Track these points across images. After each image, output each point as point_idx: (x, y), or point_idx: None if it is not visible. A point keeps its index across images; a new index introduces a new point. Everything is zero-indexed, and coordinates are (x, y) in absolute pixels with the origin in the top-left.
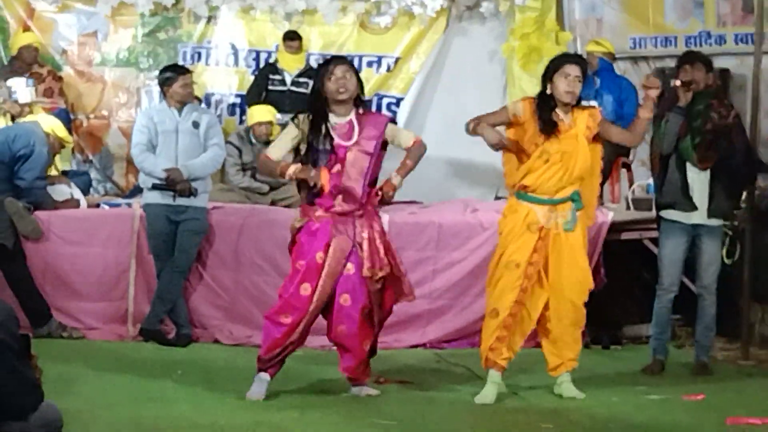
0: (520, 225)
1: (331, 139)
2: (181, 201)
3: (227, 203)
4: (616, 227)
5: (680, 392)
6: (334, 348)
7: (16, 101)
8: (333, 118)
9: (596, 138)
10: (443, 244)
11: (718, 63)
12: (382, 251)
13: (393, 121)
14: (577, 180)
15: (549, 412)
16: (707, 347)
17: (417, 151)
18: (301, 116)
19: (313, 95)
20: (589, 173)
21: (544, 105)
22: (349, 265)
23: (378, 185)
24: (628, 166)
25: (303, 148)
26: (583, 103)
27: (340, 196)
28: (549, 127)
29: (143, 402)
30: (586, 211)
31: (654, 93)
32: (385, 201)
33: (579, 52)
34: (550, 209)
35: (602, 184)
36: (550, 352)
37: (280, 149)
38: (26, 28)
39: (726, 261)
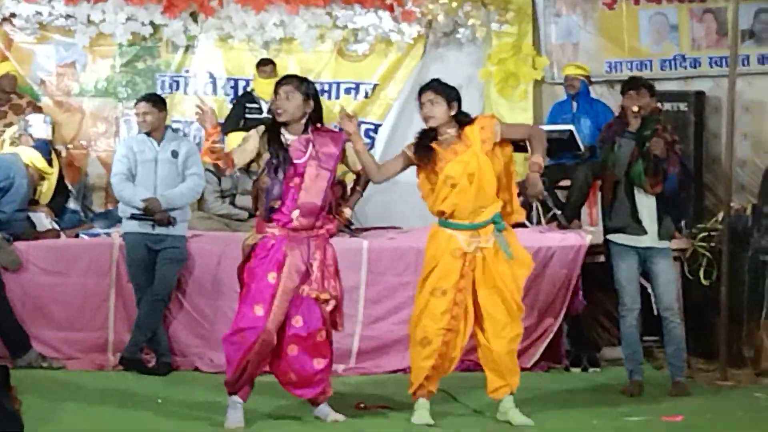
0: (442, 251)
1: (287, 153)
2: (160, 230)
3: (206, 231)
4: (594, 250)
5: (659, 414)
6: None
7: (30, 135)
8: (286, 135)
9: (502, 141)
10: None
11: (694, 86)
12: (332, 277)
13: None
14: (492, 198)
15: None
16: (681, 367)
17: (365, 180)
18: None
19: (270, 112)
20: (505, 178)
21: (423, 136)
22: (304, 287)
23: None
24: None
25: (259, 161)
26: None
27: (297, 211)
28: (424, 157)
29: (124, 431)
30: (512, 207)
31: None
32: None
33: (555, 76)
34: (472, 234)
35: (580, 207)
36: (491, 375)
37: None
38: (4, 59)
39: (704, 282)
